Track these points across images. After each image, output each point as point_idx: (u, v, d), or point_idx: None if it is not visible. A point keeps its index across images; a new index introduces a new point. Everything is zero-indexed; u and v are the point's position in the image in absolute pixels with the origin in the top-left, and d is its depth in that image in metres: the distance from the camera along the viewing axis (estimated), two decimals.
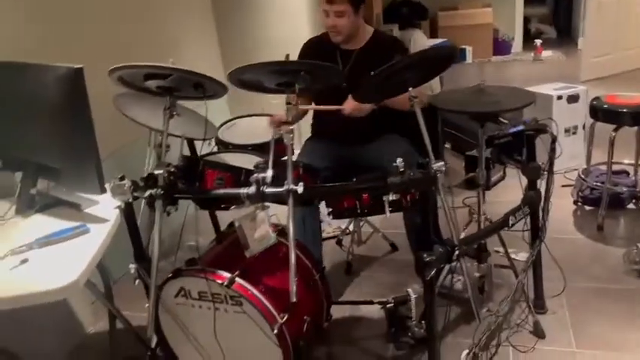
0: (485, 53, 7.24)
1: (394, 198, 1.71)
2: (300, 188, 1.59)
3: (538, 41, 6.99)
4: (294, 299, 1.53)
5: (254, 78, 1.68)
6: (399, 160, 1.67)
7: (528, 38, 7.76)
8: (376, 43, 2.36)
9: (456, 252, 1.72)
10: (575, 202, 3.13)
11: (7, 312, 1.84)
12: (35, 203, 1.88)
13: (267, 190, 1.65)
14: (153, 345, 2.10)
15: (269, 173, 1.67)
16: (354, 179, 1.79)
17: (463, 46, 7.12)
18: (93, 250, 1.58)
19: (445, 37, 7.12)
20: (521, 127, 2.28)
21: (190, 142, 2.51)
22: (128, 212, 1.86)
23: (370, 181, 1.71)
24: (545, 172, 2.16)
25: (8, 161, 1.99)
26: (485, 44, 7.26)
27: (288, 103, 1.67)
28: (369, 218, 2.87)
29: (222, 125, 2.81)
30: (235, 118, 2.91)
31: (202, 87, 1.76)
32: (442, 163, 1.70)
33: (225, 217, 2.57)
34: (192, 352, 1.93)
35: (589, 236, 2.82)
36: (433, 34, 7.34)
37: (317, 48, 2.40)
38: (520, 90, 2.25)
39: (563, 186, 3.32)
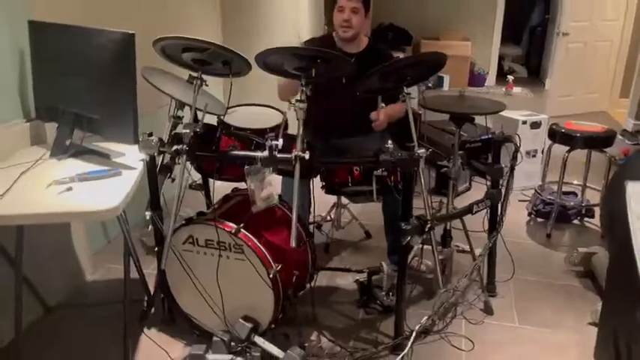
0: (461, 83, 7.71)
1: (383, 174, 2.05)
2: (306, 155, 1.91)
3: (510, 77, 7.52)
4: (294, 244, 1.84)
5: (277, 61, 1.99)
6: (389, 142, 2.02)
7: (501, 74, 8.29)
8: (373, 50, 2.71)
9: (428, 225, 2.07)
10: (529, 214, 3.53)
11: (29, 252, 2.12)
12: (68, 150, 2.14)
13: (278, 155, 1.96)
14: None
15: (280, 141, 1.99)
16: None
17: (441, 74, 7.59)
18: (128, 185, 1.86)
19: None
20: (490, 136, 2.67)
21: (195, 118, 2.79)
22: (151, 165, 2.15)
23: (365, 156, 2.05)
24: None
25: (44, 112, 2.25)
26: (462, 75, 7.74)
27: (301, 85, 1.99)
28: (349, 207, 3.19)
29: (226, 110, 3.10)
30: (237, 106, 3.21)
31: (230, 64, 2.07)
32: (424, 150, 2.05)
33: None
34: (193, 296, 2.20)
35: (539, 242, 3.21)
36: None
37: (320, 46, 2.73)
38: (493, 100, 2.63)
39: (519, 200, 3.74)
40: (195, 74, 2.08)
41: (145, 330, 2.32)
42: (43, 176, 1.91)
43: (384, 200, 2.61)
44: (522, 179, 3.95)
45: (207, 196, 3.00)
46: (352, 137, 2.71)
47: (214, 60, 2.05)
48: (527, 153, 3.96)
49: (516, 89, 7.68)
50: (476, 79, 7.90)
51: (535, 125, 3.86)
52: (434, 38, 7.83)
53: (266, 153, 1.97)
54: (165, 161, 2.33)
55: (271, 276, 2.03)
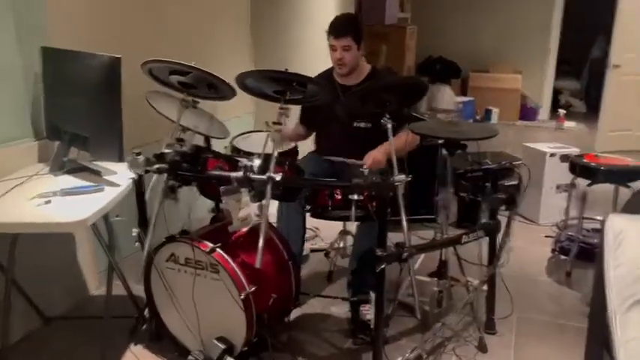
0: (511, 116, 7.53)
1: (359, 198, 2.02)
2: (278, 177, 1.92)
3: (562, 111, 7.27)
4: (259, 265, 1.84)
5: (255, 84, 2.04)
6: (365, 166, 1.99)
7: (557, 109, 7.99)
8: (371, 78, 2.69)
9: (405, 253, 2.00)
10: (552, 251, 3.34)
11: (30, 263, 2.23)
12: (65, 166, 2.26)
13: (252, 176, 1.98)
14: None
15: (256, 162, 2.01)
16: None
17: (490, 107, 7.43)
18: (104, 201, 1.93)
19: (473, 97, 7.48)
20: (493, 165, 2.58)
21: (207, 140, 2.87)
22: (139, 183, 2.22)
23: (339, 180, 2.03)
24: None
25: (52, 131, 2.39)
26: (512, 108, 7.55)
27: (280, 108, 2.02)
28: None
29: (238, 135, 3.17)
30: (251, 132, 3.28)
31: (214, 88, 2.13)
32: (403, 176, 2.00)
33: None
34: (175, 314, 2.23)
35: (556, 280, 3.03)
36: (463, 92, 7.70)
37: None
38: (487, 126, 2.54)
39: (546, 236, 3.56)
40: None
41: (132, 346, 2.36)
42: (33, 190, 2.02)
43: (363, 227, 2.55)
44: (553, 214, 3.76)
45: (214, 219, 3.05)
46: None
47: (199, 83, 2.12)
48: (558, 187, 3.77)
49: (570, 124, 7.38)
50: (527, 112, 7.68)
51: (565, 159, 3.67)
52: (484, 71, 7.70)
53: (240, 173, 1.99)
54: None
55: (243, 297, 2.02)
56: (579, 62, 9.02)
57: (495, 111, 7.44)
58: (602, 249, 1.64)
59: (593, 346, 1.64)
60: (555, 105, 8.13)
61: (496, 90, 7.51)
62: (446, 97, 6.97)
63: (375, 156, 2.45)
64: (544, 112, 7.87)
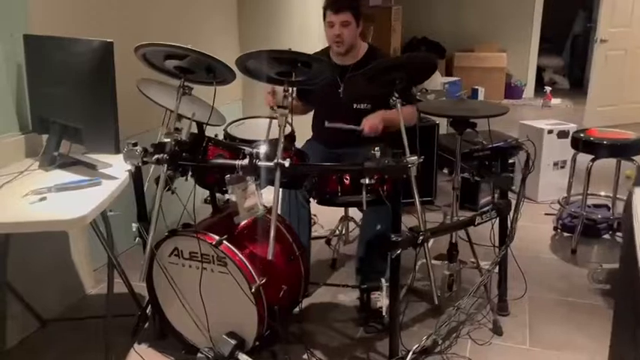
0: (496, 95, 7.50)
1: (370, 182, 1.93)
2: (286, 163, 1.82)
3: (548, 88, 7.26)
4: (271, 257, 1.75)
5: (257, 66, 1.93)
6: (376, 148, 1.90)
7: (542, 86, 7.98)
8: (369, 57, 2.59)
9: (421, 237, 1.93)
10: (554, 229, 3.31)
11: (22, 263, 2.11)
12: (56, 161, 2.13)
13: (259, 163, 1.88)
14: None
15: (262, 149, 1.92)
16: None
17: (476, 87, 7.38)
18: (102, 196, 1.81)
19: (459, 77, 7.41)
20: (500, 144, 2.51)
21: (200, 128, 2.75)
22: (137, 176, 2.11)
23: (350, 164, 1.94)
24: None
25: (39, 124, 2.26)
26: (497, 87, 7.53)
27: (285, 91, 1.92)
28: (357, 220, 3.07)
29: (232, 122, 3.06)
30: (245, 118, 3.17)
31: (214, 72, 2.01)
32: (416, 157, 1.92)
33: None
34: (180, 311, 2.14)
35: (562, 258, 2.99)
36: (448, 73, 7.64)
37: None
38: (496, 104, 2.47)
39: (546, 214, 3.53)
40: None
41: (136, 345, 2.26)
42: (24, 187, 1.89)
43: (371, 212, 2.45)
44: (551, 191, 3.73)
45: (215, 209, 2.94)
46: (352, 147, 2.61)
47: (196, 67, 2.00)
48: (555, 164, 3.74)
49: (556, 101, 7.39)
50: (513, 91, 7.66)
51: (562, 135, 3.64)
52: (468, 50, 7.65)
53: (246, 161, 1.90)
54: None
55: (253, 290, 1.93)
56: (560, 39, 9.02)
57: (481, 90, 7.40)
58: (630, 225, 1.58)
59: (625, 325, 1.59)
60: (539, 83, 8.13)
61: (481, 69, 7.48)
62: (433, 77, 6.90)
63: (371, 122, 2.38)
64: (529, 90, 7.87)
